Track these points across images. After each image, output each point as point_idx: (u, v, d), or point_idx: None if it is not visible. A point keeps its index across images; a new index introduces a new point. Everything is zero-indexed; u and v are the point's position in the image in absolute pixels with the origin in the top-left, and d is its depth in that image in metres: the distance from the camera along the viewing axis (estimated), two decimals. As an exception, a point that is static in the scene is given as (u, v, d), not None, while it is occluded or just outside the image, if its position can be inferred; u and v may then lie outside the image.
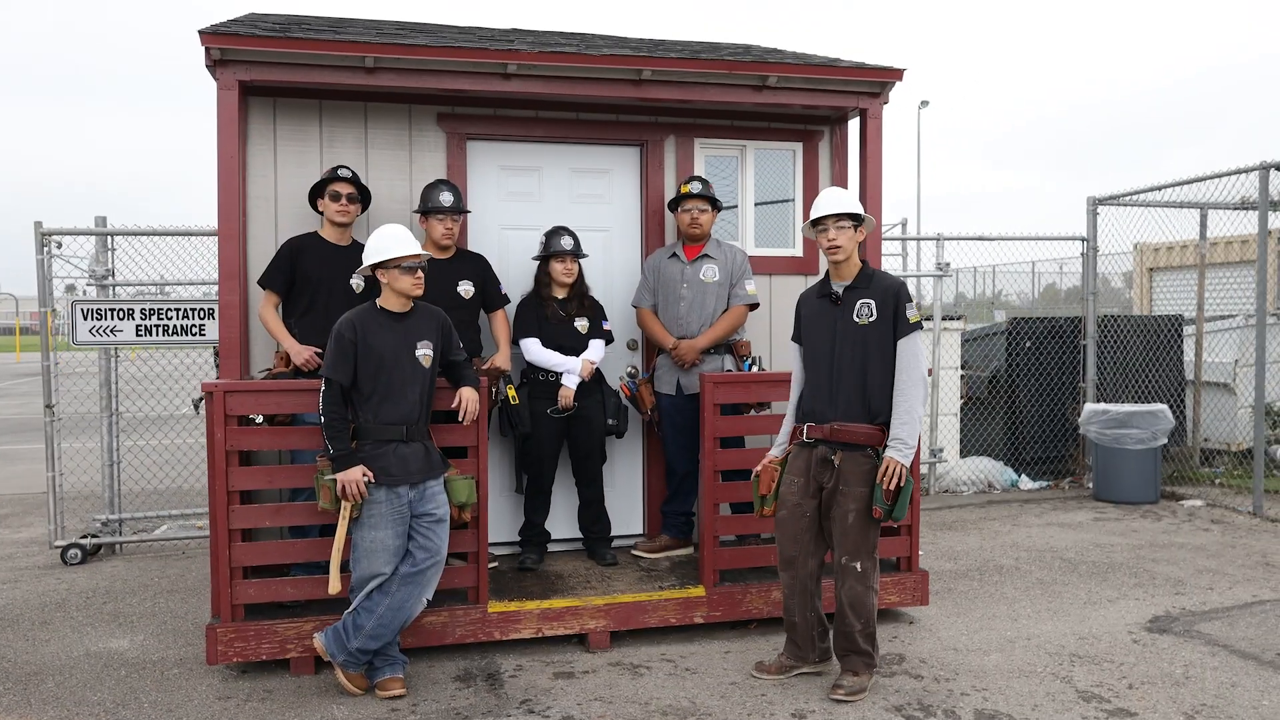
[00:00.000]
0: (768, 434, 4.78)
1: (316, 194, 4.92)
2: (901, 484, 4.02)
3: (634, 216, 5.78)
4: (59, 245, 6.77)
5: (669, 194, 5.64)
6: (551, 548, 5.53)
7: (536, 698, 4.17)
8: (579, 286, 5.31)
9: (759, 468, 4.41)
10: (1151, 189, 8.72)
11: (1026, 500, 8.39)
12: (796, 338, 4.41)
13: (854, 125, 5.73)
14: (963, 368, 9.44)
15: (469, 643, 4.63)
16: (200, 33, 4.53)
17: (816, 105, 5.48)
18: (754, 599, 4.92)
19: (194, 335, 6.85)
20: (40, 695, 4.26)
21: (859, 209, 4.22)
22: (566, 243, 5.17)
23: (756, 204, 5.86)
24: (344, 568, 4.21)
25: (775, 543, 4.38)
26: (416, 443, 4.21)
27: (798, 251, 5.86)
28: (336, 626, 4.20)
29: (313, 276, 4.84)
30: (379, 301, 4.26)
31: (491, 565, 5.29)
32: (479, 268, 5.12)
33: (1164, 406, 8.15)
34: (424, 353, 4.25)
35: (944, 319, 8.81)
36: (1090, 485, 8.71)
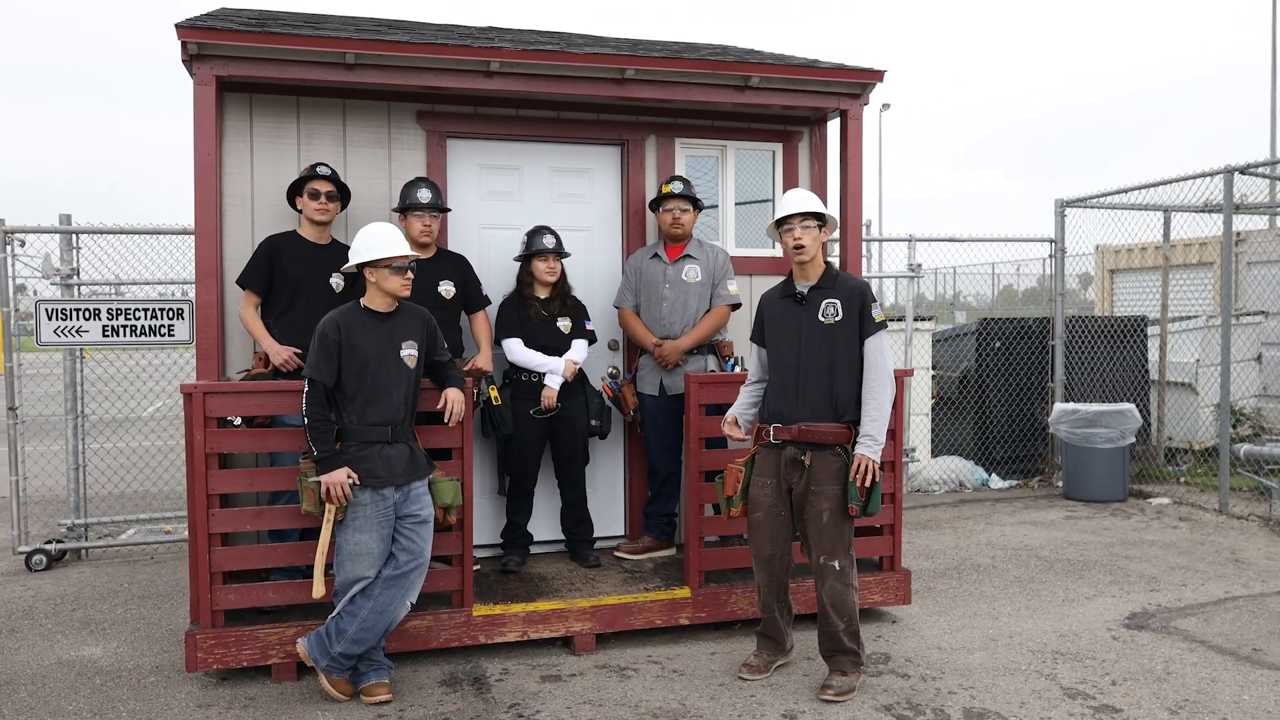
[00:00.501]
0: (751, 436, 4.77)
1: (295, 192, 4.85)
2: (874, 480, 4.06)
3: (615, 216, 5.75)
4: (22, 244, 6.62)
5: (650, 194, 5.62)
6: (534, 550, 5.49)
7: (525, 701, 4.13)
8: (561, 286, 5.27)
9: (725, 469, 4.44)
10: (1117, 191, 8.84)
11: (998, 499, 8.47)
12: (757, 338, 4.42)
13: (834, 126, 5.74)
14: (933, 368, 9.51)
15: (454, 647, 4.58)
16: (177, 26, 4.43)
17: (797, 106, 5.49)
18: (739, 599, 4.91)
19: (162, 335, 6.71)
20: (14, 705, 4.14)
21: (823, 209, 4.24)
22: (549, 241, 5.13)
23: (737, 204, 5.85)
24: (327, 571, 4.15)
25: (750, 543, 4.39)
26: (401, 444, 4.15)
27: (778, 252, 5.85)
28: (319, 631, 4.13)
29: (292, 276, 4.76)
30: (363, 301, 4.20)
31: (474, 568, 5.24)
32: (460, 268, 5.06)
33: (1131, 406, 8.27)
34: (409, 353, 4.19)
35: (915, 320, 8.87)
36: (1059, 484, 8.82)
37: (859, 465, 4.05)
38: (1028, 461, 9.41)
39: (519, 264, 5.27)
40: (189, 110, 4.57)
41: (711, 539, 5.16)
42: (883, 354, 4.14)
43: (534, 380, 5.18)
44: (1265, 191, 9.09)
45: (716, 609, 4.91)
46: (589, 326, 5.32)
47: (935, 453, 9.40)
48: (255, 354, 4.79)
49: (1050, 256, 9.35)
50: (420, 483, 4.20)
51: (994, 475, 9.15)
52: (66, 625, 5.21)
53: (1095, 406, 8.24)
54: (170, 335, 6.68)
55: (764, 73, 5.21)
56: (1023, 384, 9.39)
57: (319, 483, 4.00)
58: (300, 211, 4.85)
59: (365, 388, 4.09)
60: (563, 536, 5.51)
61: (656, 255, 5.37)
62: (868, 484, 4.05)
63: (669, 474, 5.38)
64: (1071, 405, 8.33)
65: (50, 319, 6.52)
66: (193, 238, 4.85)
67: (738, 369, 5.33)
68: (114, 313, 6.62)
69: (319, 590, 4.09)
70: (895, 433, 5.08)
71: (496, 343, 5.20)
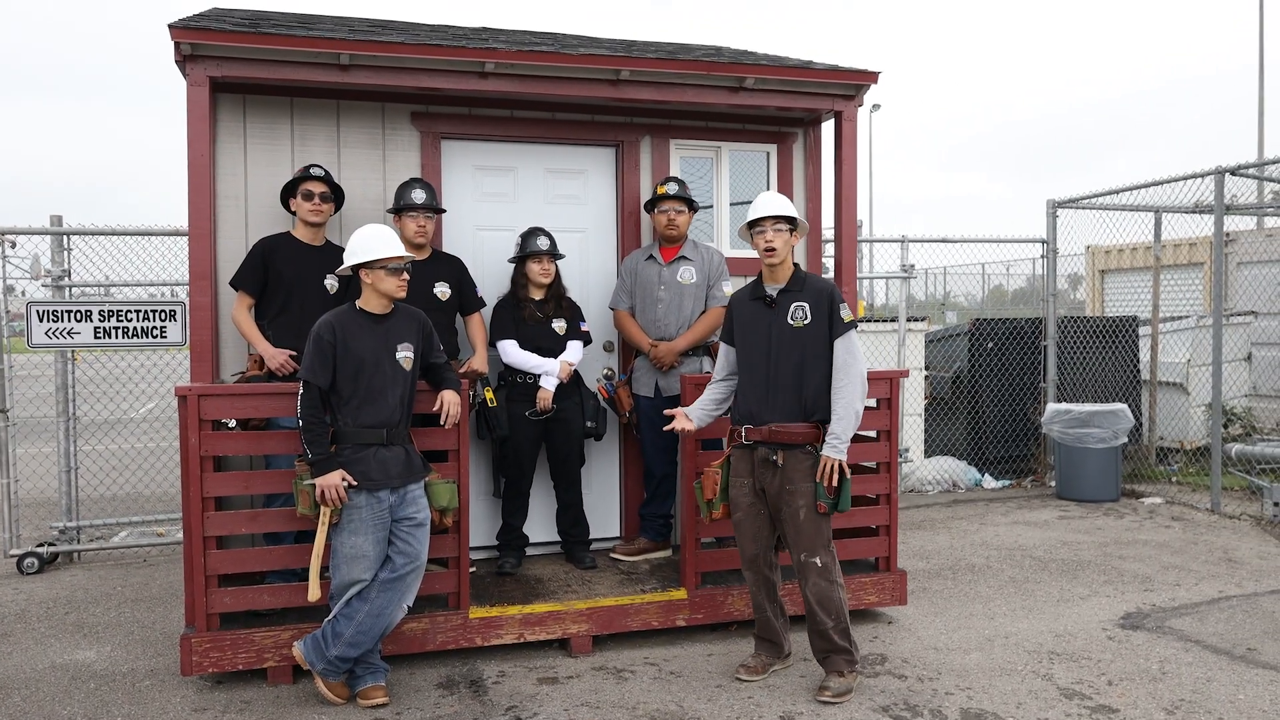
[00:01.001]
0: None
1: (288, 193, 4.83)
2: (839, 480, 4.12)
3: (610, 217, 5.74)
4: (13, 245, 6.58)
5: (645, 195, 5.62)
6: (530, 551, 5.48)
7: (522, 704, 4.12)
8: (556, 287, 5.26)
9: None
10: (1109, 192, 8.87)
11: (991, 499, 8.49)
12: (727, 337, 4.45)
13: (828, 127, 5.75)
14: (926, 369, 9.54)
15: (450, 649, 4.57)
16: (170, 26, 4.41)
17: (791, 107, 5.49)
18: (735, 601, 4.91)
19: (154, 337, 6.68)
20: (8, 710, 4.12)
21: (795, 212, 4.27)
22: (543, 243, 5.12)
23: (732, 205, 5.86)
24: (322, 574, 4.13)
25: (736, 544, 4.43)
26: (397, 446, 4.13)
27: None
28: (316, 634, 4.11)
29: (286, 277, 4.74)
30: (359, 303, 4.18)
31: (470, 570, 5.22)
32: (455, 270, 5.05)
33: (1124, 406, 8.29)
34: (405, 355, 4.18)
35: (908, 320, 8.88)
36: (1052, 484, 8.84)
37: (824, 466, 4.11)
38: (1020, 461, 9.43)
39: (513, 266, 5.26)
40: (183, 111, 4.56)
41: (708, 540, 5.15)
42: (852, 354, 4.18)
43: (529, 382, 5.17)
44: (1253, 193, 9.15)
45: (713, 610, 4.90)
46: (584, 328, 5.31)
47: (928, 453, 9.42)
48: (250, 356, 4.77)
49: (1042, 257, 9.37)
50: (416, 485, 4.18)
51: (987, 475, 9.17)
52: (60, 629, 5.18)
53: (1088, 406, 8.27)
54: (162, 337, 6.65)
55: (758, 74, 5.21)
56: (1015, 384, 9.41)
57: (314, 485, 3.98)
58: (294, 213, 4.84)
59: (361, 390, 4.07)
60: (558, 538, 5.50)
61: (652, 257, 5.36)
62: (835, 483, 4.11)
63: (664, 475, 5.38)
64: (1064, 405, 8.36)
65: (42, 321, 6.48)
66: (185, 239, 4.84)
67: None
68: (106, 314, 6.59)
69: (314, 593, 4.07)
70: (891, 433, 5.10)
71: (491, 344, 5.19)
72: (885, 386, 5.09)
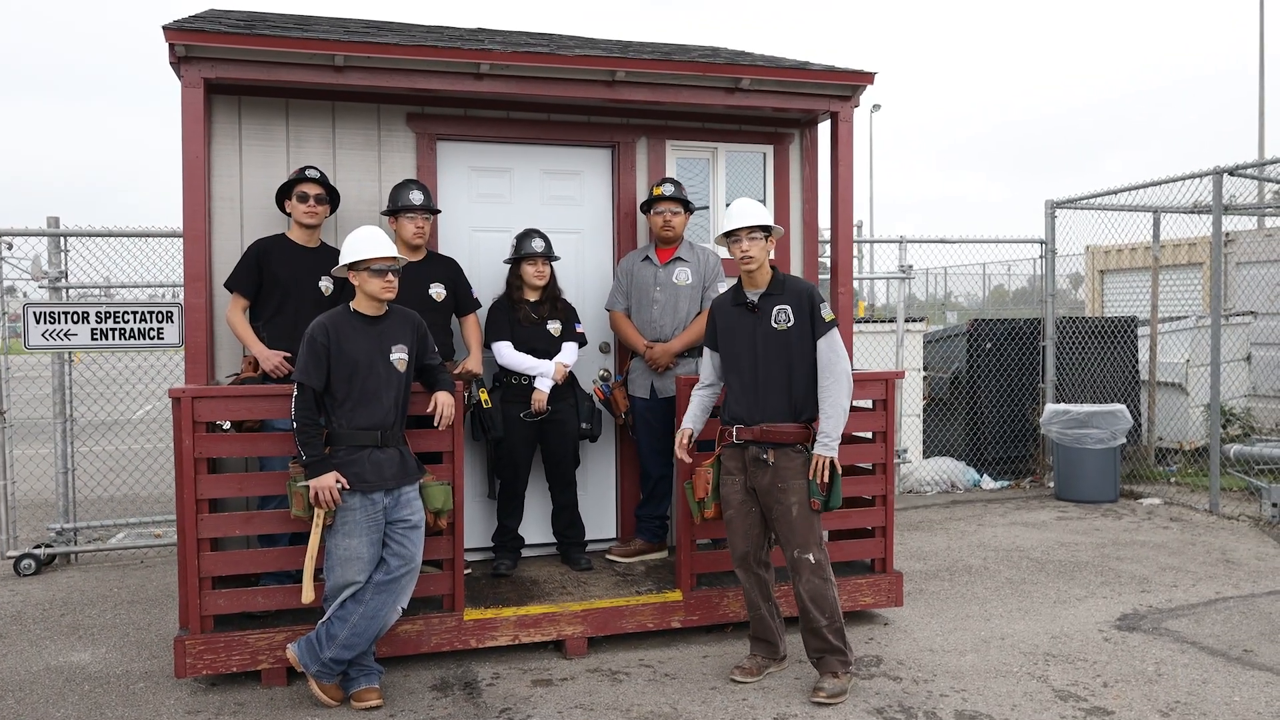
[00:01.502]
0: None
1: (284, 195, 4.82)
2: (833, 475, 4.18)
3: (606, 218, 5.74)
4: (9, 246, 6.58)
5: (641, 196, 5.61)
6: (525, 553, 5.47)
7: (516, 706, 4.12)
8: (551, 289, 5.25)
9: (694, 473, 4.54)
10: (1108, 192, 8.86)
11: (989, 500, 8.48)
12: (710, 343, 4.49)
13: (825, 128, 5.74)
14: (925, 369, 9.53)
15: (445, 651, 4.56)
16: (164, 28, 4.41)
17: (788, 108, 5.48)
18: (731, 602, 4.90)
19: (151, 339, 6.68)
20: (1, 713, 4.11)
21: (770, 220, 4.31)
22: (538, 245, 5.12)
23: (728, 206, 5.83)
24: (317, 576, 4.13)
25: (728, 544, 4.46)
26: (391, 448, 4.13)
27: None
28: (310, 636, 4.11)
29: (281, 279, 4.74)
30: (352, 304, 4.18)
31: (465, 572, 5.21)
32: (450, 271, 5.05)
33: (1122, 406, 8.28)
34: (399, 357, 4.17)
35: (906, 321, 8.87)
36: (1050, 485, 8.83)
37: (816, 464, 4.15)
38: (1019, 462, 9.42)
39: (509, 267, 5.25)
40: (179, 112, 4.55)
41: (703, 542, 5.14)
42: (836, 353, 4.23)
43: (524, 383, 5.16)
44: (1253, 193, 9.12)
45: (708, 612, 4.90)
46: (579, 329, 5.30)
47: (927, 454, 9.41)
48: (244, 358, 4.76)
49: (1040, 257, 9.36)
50: (411, 487, 4.18)
51: (985, 476, 9.16)
52: (55, 631, 5.18)
53: (1086, 407, 8.25)
54: (159, 338, 6.65)
55: (754, 75, 5.20)
56: (1014, 385, 9.40)
57: (308, 487, 3.97)
58: (289, 215, 4.83)
59: (354, 392, 4.07)
60: (554, 540, 5.49)
61: (647, 258, 5.36)
62: (826, 479, 4.16)
63: (660, 477, 5.37)
64: (1063, 406, 8.34)
65: (38, 322, 6.49)
66: (181, 240, 4.82)
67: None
68: (103, 315, 6.59)
69: (308, 596, 4.07)
70: (887, 435, 5.09)
71: (486, 346, 5.19)
72: (880, 388, 5.08)
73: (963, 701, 4.13)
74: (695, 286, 5.30)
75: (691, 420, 4.54)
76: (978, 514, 7.88)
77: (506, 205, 5.57)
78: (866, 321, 9.33)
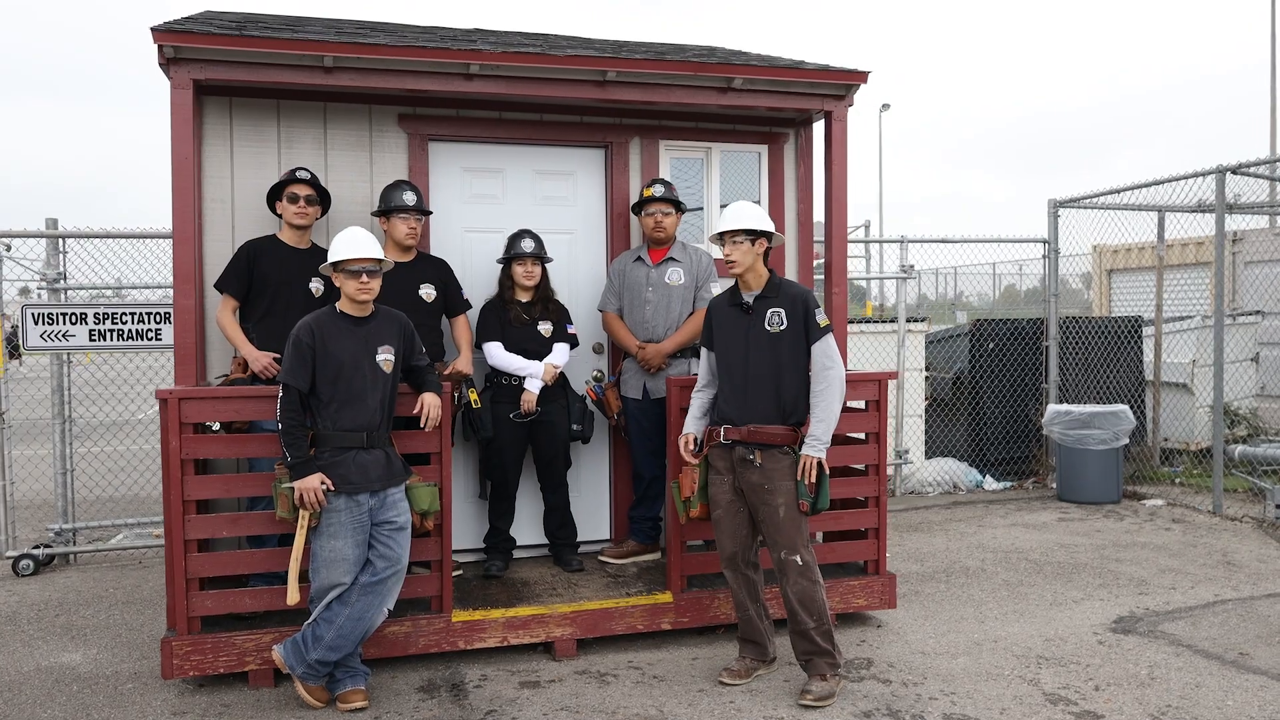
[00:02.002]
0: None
1: (274, 196, 4.82)
2: (817, 478, 4.17)
3: (599, 219, 5.72)
4: (8, 248, 6.60)
5: (634, 196, 5.59)
6: (517, 554, 5.46)
7: (502, 708, 4.10)
8: (543, 290, 5.24)
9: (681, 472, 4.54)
10: (1110, 191, 8.80)
11: (991, 501, 8.43)
12: (706, 342, 4.48)
13: (819, 128, 5.71)
14: (927, 369, 9.48)
15: (433, 653, 4.55)
16: (153, 30, 4.41)
17: (782, 108, 5.45)
18: (722, 604, 4.88)
19: (150, 340, 6.70)
20: (-13, 713, 4.13)
21: (758, 225, 4.28)
22: (528, 245, 5.10)
23: (722, 206, 5.81)
24: (303, 578, 4.12)
25: (716, 544, 4.45)
26: (377, 450, 4.12)
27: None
28: (295, 638, 4.10)
29: (271, 280, 4.74)
30: (338, 305, 4.17)
31: (456, 573, 5.22)
32: (441, 271, 5.04)
33: (1125, 407, 8.22)
34: (385, 358, 4.16)
35: (908, 321, 8.83)
36: (1054, 485, 8.77)
37: (804, 465, 4.15)
38: (1022, 463, 9.36)
39: (501, 268, 5.24)
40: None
41: (696, 543, 5.12)
42: (830, 358, 4.23)
43: (514, 384, 5.15)
44: (1263, 192, 9.03)
45: (699, 614, 4.87)
46: (571, 330, 5.29)
47: (929, 454, 9.36)
48: (234, 359, 4.76)
49: (1044, 257, 9.30)
50: (397, 489, 4.17)
51: (988, 477, 9.11)
52: (49, 631, 5.19)
53: (1089, 408, 8.20)
54: (158, 340, 6.67)
55: (747, 74, 5.17)
56: (1017, 385, 9.35)
57: (292, 489, 3.97)
58: (280, 216, 4.83)
59: (340, 393, 4.06)
60: (546, 541, 5.47)
61: (640, 258, 5.34)
62: (814, 480, 4.15)
63: (653, 478, 5.35)
64: (1065, 406, 8.29)
65: (37, 324, 6.51)
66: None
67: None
68: (101, 317, 6.62)
69: (293, 597, 4.06)
70: (879, 436, 5.06)
71: (477, 346, 5.18)
72: (873, 388, 5.05)
73: (951, 705, 4.10)
74: (688, 287, 5.27)
75: (692, 424, 4.51)
76: (979, 515, 7.83)
77: (499, 206, 5.56)
78: (868, 321, 9.28)
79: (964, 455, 9.37)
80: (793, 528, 4.19)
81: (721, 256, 4.37)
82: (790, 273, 5.84)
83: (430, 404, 4.30)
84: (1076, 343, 9.31)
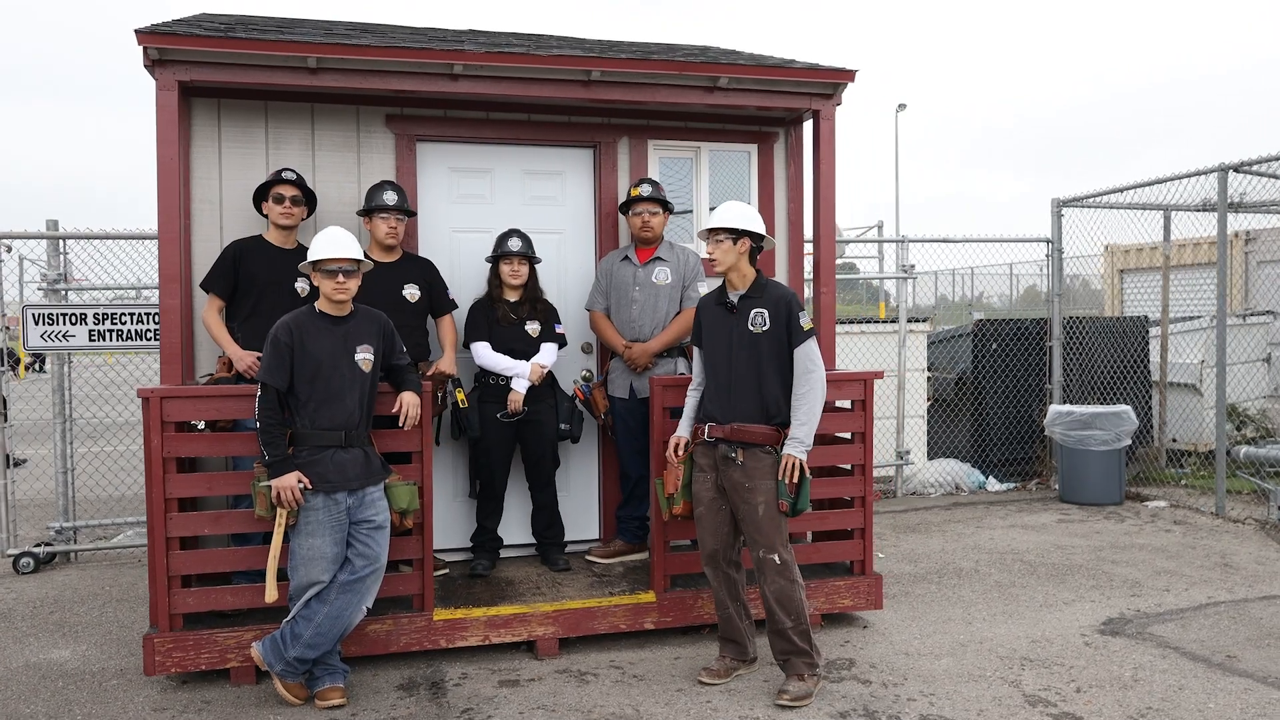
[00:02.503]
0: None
1: (261, 196, 4.86)
2: (802, 477, 4.17)
3: (588, 218, 5.73)
4: (8, 249, 6.68)
5: (623, 195, 5.59)
6: (505, 553, 5.47)
7: (478, 707, 4.11)
8: (531, 289, 5.25)
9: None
10: (1114, 190, 8.73)
11: (992, 502, 8.37)
12: (696, 340, 4.49)
13: (809, 127, 5.69)
14: (930, 369, 9.43)
15: (415, 651, 4.57)
16: (137, 32, 4.45)
17: (770, 107, 5.44)
18: (705, 604, 4.87)
19: (149, 340, 6.76)
20: (-28, 708, 4.18)
21: (740, 224, 4.26)
22: (515, 244, 5.11)
23: (712, 206, 5.80)
24: (282, 576, 4.15)
25: (698, 543, 4.45)
26: (356, 448, 4.14)
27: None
28: (274, 635, 4.13)
29: (258, 280, 4.77)
30: (317, 305, 4.20)
31: (443, 572, 5.24)
32: (426, 272, 5.06)
33: (1127, 408, 8.15)
34: (364, 357, 4.18)
35: (910, 321, 8.78)
36: (1056, 487, 8.70)
37: (785, 464, 4.14)
38: (1025, 464, 9.30)
39: (490, 267, 5.26)
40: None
41: (681, 543, 5.11)
42: (812, 360, 4.22)
43: (501, 384, 5.16)
44: (1275, 190, 8.91)
45: (683, 613, 4.87)
46: (559, 330, 5.29)
47: (932, 455, 9.31)
48: (219, 359, 4.80)
49: (1047, 256, 9.23)
50: (375, 488, 4.19)
51: (991, 478, 9.05)
52: (41, 628, 5.25)
53: (1090, 408, 8.13)
54: (155, 339, 6.72)
55: (732, 73, 5.17)
56: (1020, 385, 9.29)
57: (270, 487, 4.00)
58: (266, 216, 4.87)
59: (318, 392, 4.08)
60: (534, 540, 5.48)
61: (627, 258, 5.34)
62: (795, 480, 4.14)
63: (640, 477, 5.35)
64: (1066, 407, 8.22)
65: (37, 324, 6.59)
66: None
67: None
68: (100, 317, 6.69)
69: (271, 595, 4.09)
70: (865, 435, 5.04)
71: (465, 346, 5.19)
72: (858, 388, 5.04)
73: (930, 706, 4.07)
74: (675, 286, 5.27)
75: (685, 426, 4.51)
76: (978, 516, 7.78)
77: (488, 206, 5.57)
78: (868, 322, 9.24)
79: (967, 456, 9.32)
80: (772, 527, 4.19)
81: (707, 255, 4.38)
82: (780, 273, 5.83)
83: (409, 403, 4.32)
84: (1082, 343, 9.23)
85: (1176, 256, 11.68)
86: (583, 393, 5.41)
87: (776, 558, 4.18)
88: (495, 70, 4.88)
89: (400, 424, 4.33)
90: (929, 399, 9.33)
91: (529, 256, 5.16)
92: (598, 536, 5.77)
